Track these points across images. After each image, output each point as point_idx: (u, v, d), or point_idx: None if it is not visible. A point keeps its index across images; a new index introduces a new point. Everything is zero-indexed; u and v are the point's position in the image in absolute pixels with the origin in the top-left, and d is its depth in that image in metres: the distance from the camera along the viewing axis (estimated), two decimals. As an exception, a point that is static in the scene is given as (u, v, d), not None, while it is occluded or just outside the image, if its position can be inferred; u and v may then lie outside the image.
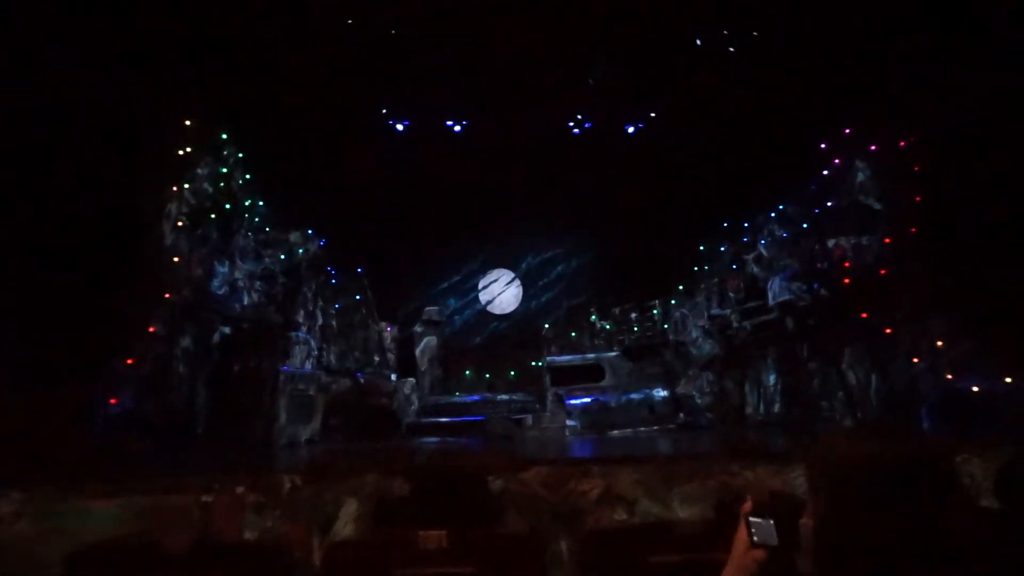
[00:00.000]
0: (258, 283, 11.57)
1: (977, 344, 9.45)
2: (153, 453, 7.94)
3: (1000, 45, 9.68)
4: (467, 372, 13.67)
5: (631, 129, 13.79)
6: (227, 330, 10.82)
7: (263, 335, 11.01)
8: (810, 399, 10.62)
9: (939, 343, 9.83)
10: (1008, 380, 9.32)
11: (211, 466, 6.46)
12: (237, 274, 11.29)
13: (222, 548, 4.18)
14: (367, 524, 4.91)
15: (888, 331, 10.08)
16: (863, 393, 10.17)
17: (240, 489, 5.15)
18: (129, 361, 9.41)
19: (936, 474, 1.78)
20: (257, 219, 12.13)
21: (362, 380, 11.82)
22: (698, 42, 12.38)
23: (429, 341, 13.29)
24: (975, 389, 9.42)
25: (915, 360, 9.87)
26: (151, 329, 9.78)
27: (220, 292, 10.99)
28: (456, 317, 14.50)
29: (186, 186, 10.89)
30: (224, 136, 11.68)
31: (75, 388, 8.00)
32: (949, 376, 9.68)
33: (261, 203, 12.22)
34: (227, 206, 11.46)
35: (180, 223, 10.61)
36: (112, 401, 8.81)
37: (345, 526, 4.95)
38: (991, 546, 1.74)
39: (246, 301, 11.29)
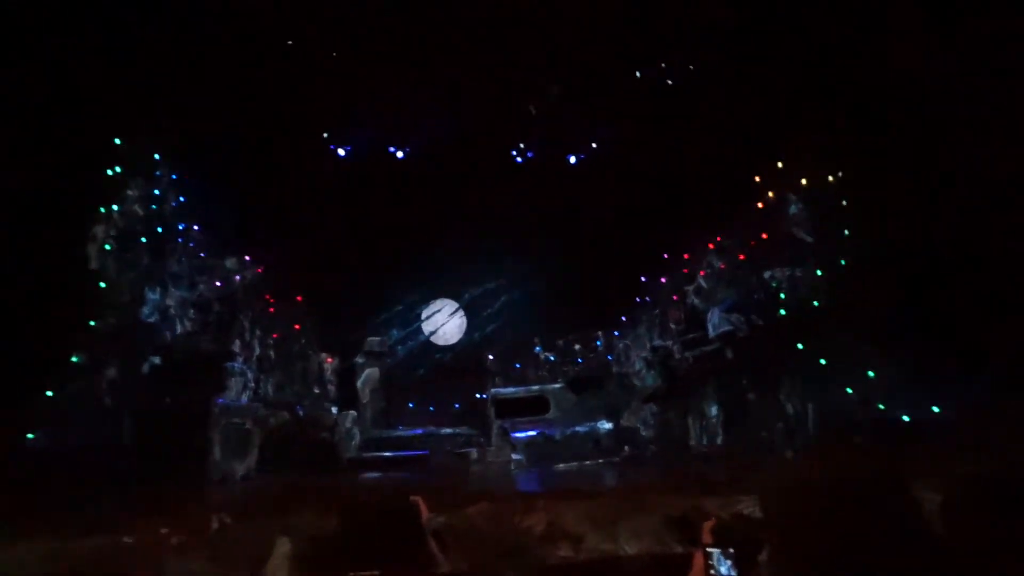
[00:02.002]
0: (192, 311, 11.09)
1: (907, 373, 9.74)
2: (70, 491, 7.41)
3: (926, 81, 10.14)
4: (410, 404, 13.37)
5: (573, 159, 13.92)
6: (157, 360, 10.31)
7: (196, 365, 10.53)
8: (750, 429, 10.72)
9: (870, 373, 10.11)
10: (935, 409, 9.64)
11: (133, 505, 6.05)
12: (169, 301, 10.80)
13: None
14: (301, 564, 4.64)
15: (822, 361, 10.31)
16: (800, 422, 10.32)
17: (163, 530, 4.82)
18: (47, 392, 8.88)
19: (891, 495, 1.75)
20: (191, 244, 11.68)
21: (301, 413, 11.39)
22: (638, 74, 12.65)
23: (371, 372, 12.95)
24: (905, 419, 9.70)
25: (848, 390, 10.13)
26: (73, 359, 9.27)
27: (151, 319, 10.49)
28: (399, 348, 14.20)
29: (115, 207, 10.46)
30: (157, 156, 11.27)
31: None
32: (880, 406, 9.96)
33: (196, 227, 11.79)
34: (159, 229, 11.02)
35: (108, 246, 10.16)
36: (27, 436, 8.26)
37: (278, 567, 4.66)
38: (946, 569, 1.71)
39: (179, 329, 10.80)
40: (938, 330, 9.63)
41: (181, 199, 11.65)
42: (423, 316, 14.51)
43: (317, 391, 12.09)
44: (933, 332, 9.63)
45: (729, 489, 5.80)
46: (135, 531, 4.85)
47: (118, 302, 10.10)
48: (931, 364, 9.45)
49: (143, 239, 10.71)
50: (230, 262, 12.08)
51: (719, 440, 11.05)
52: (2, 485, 7.03)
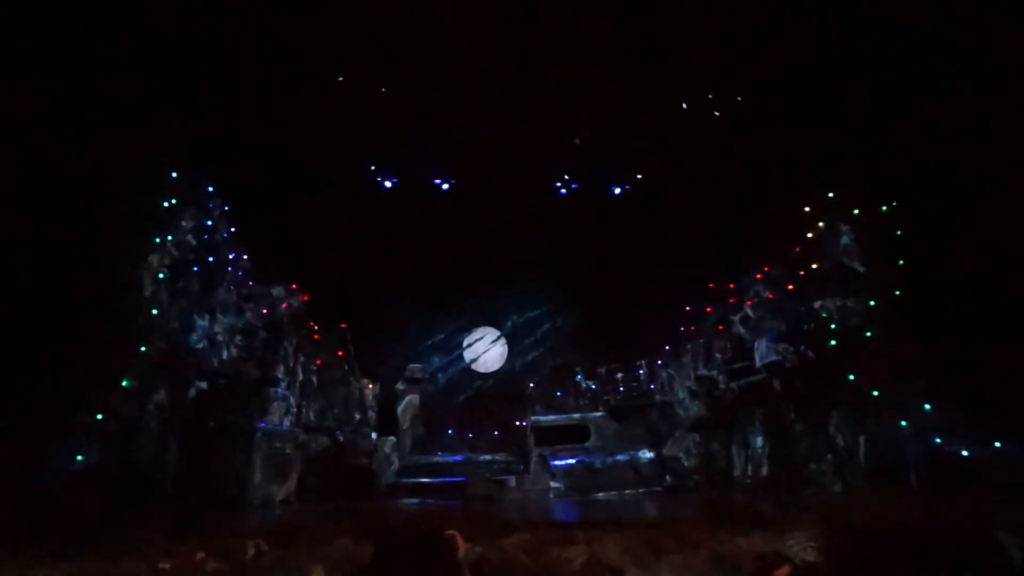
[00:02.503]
0: (238, 337, 11.20)
1: (964, 406, 9.24)
2: (113, 513, 7.42)
3: (978, 111, 9.81)
4: (449, 431, 13.23)
5: (617, 190, 13.79)
6: (204, 385, 10.39)
7: (240, 390, 10.58)
8: (797, 462, 10.28)
9: (926, 405, 9.62)
10: (997, 444, 9.09)
11: (173, 528, 6.01)
12: (217, 328, 10.93)
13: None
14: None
15: (874, 393, 9.86)
16: (851, 456, 9.86)
17: (200, 555, 4.74)
18: (97, 416, 8.98)
19: (973, 545, 1.57)
20: (240, 273, 11.84)
21: (341, 438, 11.35)
22: (684, 105, 12.51)
23: (411, 399, 12.88)
24: (964, 453, 9.17)
25: (902, 423, 9.64)
26: (123, 383, 9.38)
27: (198, 346, 10.60)
28: (440, 375, 14.13)
29: (169, 238, 10.65)
30: (210, 189, 11.49)
31: (26, 444, 7.53)
32: (937, 440, 9.44)
33: (245, 257, 11.96)
34: (210, 259, 11.19)
35: (161, 275, 10.33)
36: (75, 457, 8.34)
37: (311, 595, 4.54)
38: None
39: (225, 356, 10.90)
40: (995, 360, 9.14)
41: (232, 229, 11.84)
42: (464, 344, 14.42)
43: (358, 417, 12.04)
44: (990, 363, 9.14)
45: (777, 525, 5.49)
46: (173, 556, 4.78)
47: (168, 328, 10.21)
48: (989, 396, 8.96)
49: (195, 268, 10.86)
50: (276, 290, 12.21)
51: (764, 472, 10.63)
52: (43, 506, 7.07)
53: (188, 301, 10.63)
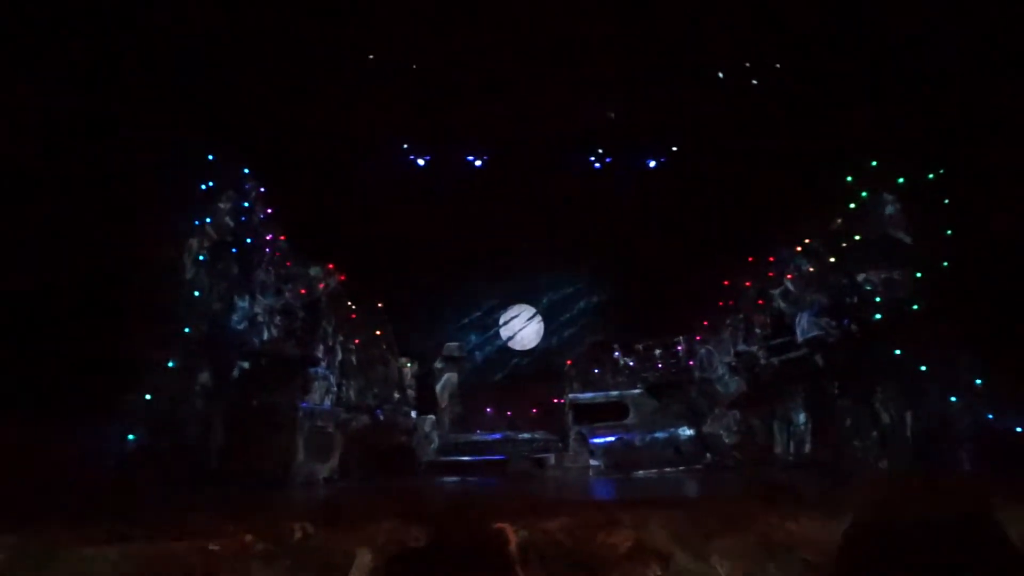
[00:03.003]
0: (278, 318, 11.26)
1: (1016, 380, 8.90)
2: (164, 491, 7.55)
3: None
4: (488, 409, 13.22)
5: (652, 163, 13.50)
6: (246, 365, 10.50)
7: (282, 370, 10.68)
8: (841, 439, 10.04)
9: (976, 380, 9.28)
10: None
11: (221, 509, 6.07)
12: (257, 308, 11.00)
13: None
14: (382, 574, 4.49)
15: (922, 367, 9.54)
16: (897, 432, 9.58)
17: (248, 537, 4.77)
18: (146, 396, 9.13)
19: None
20: (278, 254, 11.88)
21: (381, 417, 11.40)
22: (720, 75, 12.12)
23: (450, 377, 12.89)
24: (1018, 429, 8.85)
25: (951, 398, 9.32)
26: (169, 363, 9.51)
27: (239, 327, 10.70)
28: (477, 353, 14.11)
29: (208, 220, 10.72)
30: (247, 171, 11.52)
31: (84, 424, 7.68)
32: (988, 415, 9.12)
33: (282, 238, 11.99)
34: (248, 240, 11.24)
35: (201, 257, 10.41)
36: (126, 437, 8.50)
37: (358, 578, 4.53)
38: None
39: (265, 336, 10.97)
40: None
41: (268, 211, 11.87)
42: (501, 322, 14.37)
43: (397, 396, 12.09)
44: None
45: (824, 507, 5.32)
46: (221, 536, 4.80)
47: (210, 310, 10.31)
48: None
49: (233, 250, 10.92)
50: (314, 270, 12.24)
51: (807, 449, 10.41)
52: (98, 484, 7.21)
53: (228, 283, 10.71)
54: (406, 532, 4.68)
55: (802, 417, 10.49)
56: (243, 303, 10.89)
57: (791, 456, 10.45)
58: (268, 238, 11.80)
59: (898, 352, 9.67)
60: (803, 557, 4.32)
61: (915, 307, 9.91)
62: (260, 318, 11.05)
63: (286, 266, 11.92)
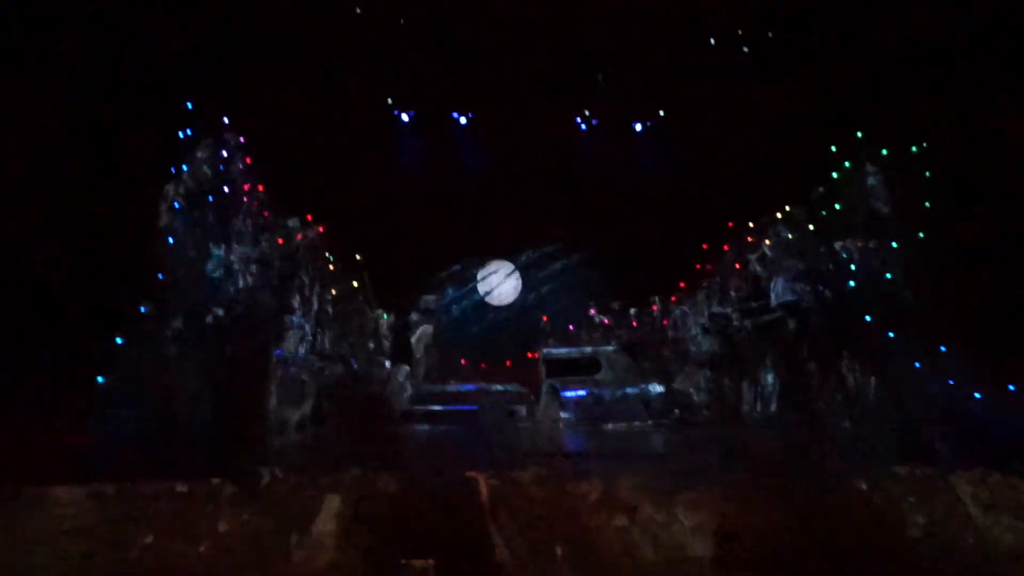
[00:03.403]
0: (254, 267, 11.08)
1: (981, 351, 9.07)
2: (133, 437, 7.48)
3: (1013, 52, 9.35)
4: (462, 361, 13.23)
5: (639, 126, 13.38)
6: (220, 312, 10.35)
7: (257, 318, 10.55)
8: (807, 400, 10.20)
9: (942, 348, 9.45)
10: (1011, 387, 8.96)
11: (191, 453, 6.02)
12: (233, 257, 10.81)
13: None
14: (349, 522, 4.47)
15: (890, 335, 9.69)
16: (861, 396, 9.76)
17: (216, 480, 4.72)
18: (117, 339, 8.99)
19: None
20: (256, 204, 11.65)
21: (356, 366, 11.36)
22: (712, 41, 11.97)
23: (425, 329, 12.85)
24: (977, 396, 9.05)
25: (916, 365, 9.49)
26: (141, 309, 9.35)
27: (215, 275, 10.53)
28: (453, 306, 14.06)
29: (185, 168, 10.47)
30: (225, 120, 11.22)
31: (53, 366, 7.57)
32: (951, 382, 9.31)
33: (260, 188, 11.76)
34: (226, 190, 11.01)
35: (177, 204, 10.20)
36: (97, 381, 8.38)
37: (326, 523, 4.51)
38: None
39: (240, 284, 10.80)
40: (1015, 306, 8.94)
41: (247, 160, 11.63)
42: (479, 276, 14.30)
43: (372, 346, 12.06)
44: (1009, 308, 8.95)
45: (787, 464, 5.41)
46: (189, 479, 4.76)
47: (184, 257, 10.14)
48: (1005, 341, 8.80)
49: (210, 198, 10.71)
50: (292, 221, 12.04)
51: (773, 409, 10.58)
52: (70, 428, 7.12)
53: (204, 230, 10.52)
54: (376, 479, 4.66)
55: (770, 378, 10.62)
56: (219, 252, 10.70)
57: (758, 415, 10.60)
58: (246, 188, 11.58)
59: (868, 319, 9.80)
60: (765, 512, 4.38)
61: (888, 276, 10.03)
62: (236, 267, 10.88)
63: (264, 216, 11.70)
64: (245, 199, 11.30)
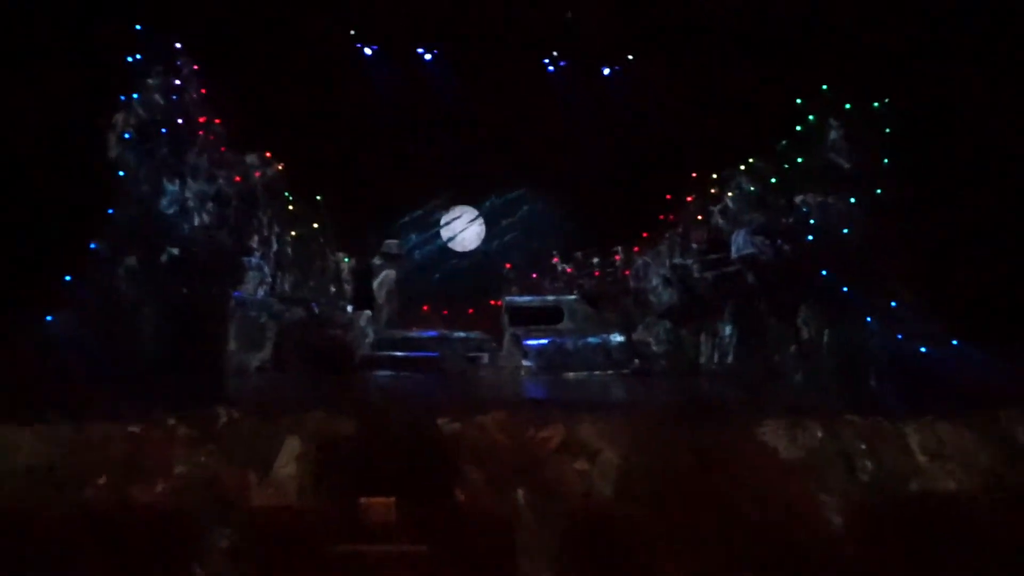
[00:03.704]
0: (210, 204, 10.70)
1: (930, 306, 9.30)
2: (84, 379, 7.23)
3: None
4: (424, 308, 13.13)
5: (607, 71, 13.12)
6: (176, 251, 10.00)
7: (214, 258, 10.24)
8: (763, 352, 10.41)
9: (892, 303, 9.67)
10: (955, 342, 9.24)
11: (146, 394, 5.84)
12: (188, 194, 10.41)
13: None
14: (310, 464, 4.40)
15: (844, 289, 9.87)
16: (814, 348, 9.99)
17: (171, 421, 4.58)
18: (66, 277, 8.63)
19: None
20: (212, 138, 11.18)
21: (316, 310, 11.18)
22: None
23: (387, 274, 12.68)
24: (923, 350, 9.32)
25: (867, 319, 9.71)
26: (91, 245, 8.97)
27: (169, 211, 10.14)
28: (416, 252, 13.88)
29: (135, 96, 9.94)
30: (178, 46, 10.64)
31: (2, 306, 7.22)
32: (898, 336, 9.56)
33: (216, 121, 11.26)
34: (179, 121, 10.52)
35: (127, 135, 9.70)
36: (47, 321, 8.05)
37: (286, 465, 4.43)
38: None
39: (196, 222, 10.44)
40: (970, 265, 9.13)
41: (202, 91, 11.09)
42: (442, 222, 14.10)
43: (333, 290, 11.88)
44: (965, 267, 9.14)
45: (744, 413, 5.49)
46: (143, 421, 4.61)
47: (137, 192, 9.71)
48: (954, 299, 9.02)
49: (163, 130, 10.23)
50: (250, 158, 11.65)
51: (730, 360, 10.78)
52: (20, 367, 6.84)
53: (157, 165, 10.07)
54: (336, 421, 4.58)
55: (728, 330, 10.78)
56: (173, 187, 10.28)
57: (715, 366, 10.80)
58: (201, 121, 11.08)
59: (824, 273, 9.95)
60: (722, 458, 4.44)
61: (845, 231, 10.16)
62: (191, 204, 10.48)
63: (220, 151, 11.26)
64: (200, 132, 10.84)
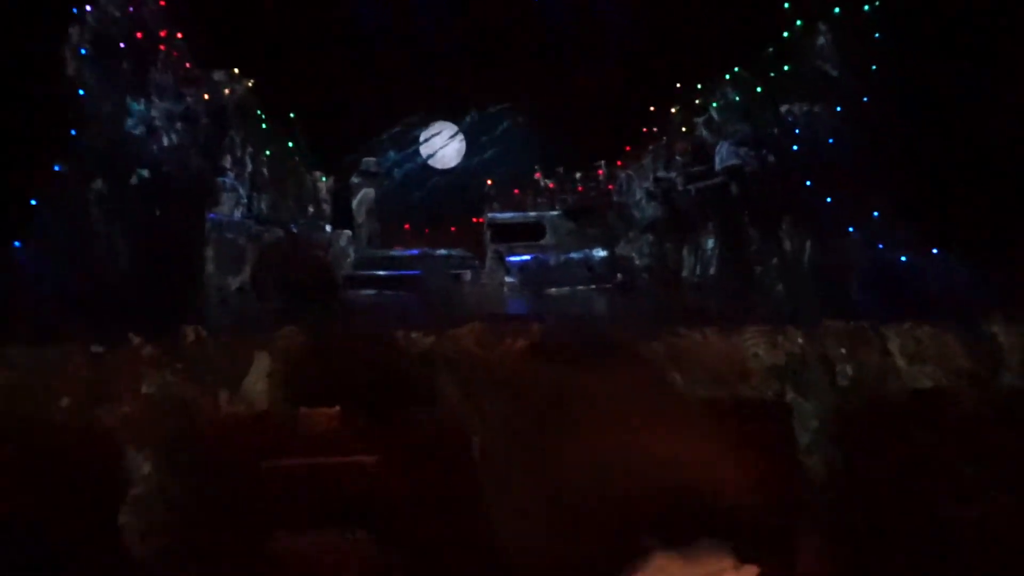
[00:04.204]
0: (179, 124, 10.22)
1: (912, 217, 9.16)
2: (57, 303, 7.00)
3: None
4: (406, 226, 12.86)
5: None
6: (145, 173, 9.60)
7: (186, 179, 9.86)
8: (745, 264, 10.30)
9: (875, 214, 9.51)
10: (934, 251, 9.15)
11: (115, 317, 5.63)
12: (154, 113, 9.91)
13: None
14: (282, 381, 4.27)
15: (827, 200, 9.68)
16: (796, 260, 9.88)
17: (136, 339, 4.40)
18: (31, 201, 8.26)
19: None
20: (176, 53, 10.56)
21: (295, 231, 10.90)
22: None
23: (367, 193, 12.33)
24: (903, 259, 9.24)
25: (850, 229, 9.57)
26: (55, 167, 8.55)
27: (135, 131, 9.67)
28: (396, 170, 13.47)
29: (88, 8, 9.29)
30: (132, -51, 9.91)
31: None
32: (880, 246, 9.46)
33: (180, 35, 10.61)
34: (139, 35, 9.90)
35: (84, 51, 9.12)
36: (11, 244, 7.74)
37: (256, 383, 4.29)
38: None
39: (166, 143, 9.99)
40: (952, 177, 8.92)
41: (161, 3, 10.41)
42: (421, 139, 13.62)
43: (312, 210, 11.55)
44: (946, 179, 8.93)
45: (726, 322, 5.37)
46: (107, 341, 4.42)
47: (99, 111, 9.21)
48: (940, 208, 8.85)
49: (122, 44, 9.62)
50: (218, 75, 11.04)
51: (712, 273, 10.68)
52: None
53: (119, 83, 9.54)
54: (309, 337, 4.41)
55: (711, 243, 10.62)
56: (138, 106, 9.77)
57: (697, 279, 10.70)
58: (163, 35, 10.44)
59: (808, 184, 9.73)
60: (706, 366, 4.34)
61: (830, 141, 9.87)
62: (158, 124, 10.00)
63: (186, 68, 10.67)
64: (163, 47, 10.23)
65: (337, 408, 2.02)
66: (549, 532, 0.92)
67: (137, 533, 3.03)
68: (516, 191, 12.36)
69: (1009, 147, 8.66)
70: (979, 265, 8.00)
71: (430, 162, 13.62)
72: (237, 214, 10.47)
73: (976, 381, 4.37)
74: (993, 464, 2.96)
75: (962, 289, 7.92)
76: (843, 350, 4.66)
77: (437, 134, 13.58)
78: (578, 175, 12.29)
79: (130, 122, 9.66)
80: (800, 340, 4.65)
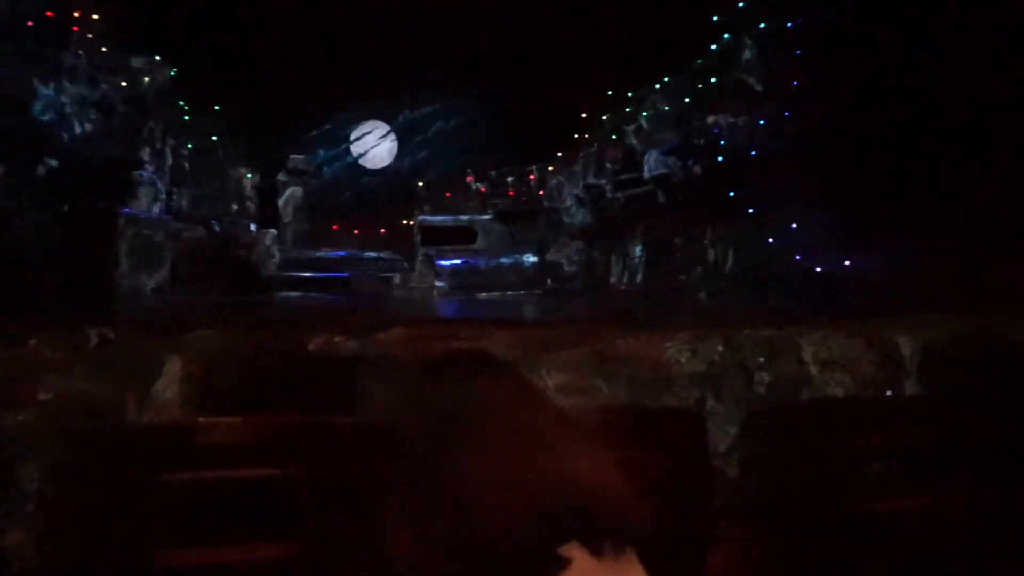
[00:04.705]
0: (93, 112, 9.66)
1: (830, 229, 9.53)
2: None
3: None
4: (334, 227, 12.57)
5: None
6: (54, 163, 9.02)
7: (99, 171, 9.32)
8: (670, 271, 10.52)
9: (793, 225, 9.87)
10: (846, 262, 9.55)
11: (10, 316, 5.22)
12: (65, 99, 9.33)
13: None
14: (194, 385, 4.04)
15: (750, 211, 9.99)
16: (718, 268, 10.16)
17: (33, 342, 4.07)
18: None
19: None
20: (90, 35, 9.98)
21: (218, 228, 10.46)
22: None
23: (294, 191, 11.99)
24: (818, 269, 9.62)
25: (770, 240, 9.90)
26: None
27: (43, 118, 9.07)
28: (325, 168, 13.15)
29: (-10, -15, 8.66)
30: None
31: None
32: (797, 256, 9.82)
33: (95, 16, 10.04)
34: (50, 14, 9.30)
35: (-14, 31, 8.50)
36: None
37: (168, 387, 4.04)
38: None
39: (78, 131, 9.41)
40: (873, 188, 9.32)
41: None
42: (352, 137, 13.34)
43: (235, 207, 11.11)
44: (867, 190, 9.33)
45: (652, 328, 5.41)
46: (2, 342, 4.07)
47: (4, 94, 8.60)
48: (859, 220, 9.23)
49: (30, 23, 9.01)
50: (137, 61, 10.51)
51: (639, 279, 10.86)
52: None
53: (25, 64, 8.93)
54: (224, 340, 4.20)
55: (639, 250, 10.81)
56: (47, 91, 9.17)
57: (625, 285, 10.86)
58: (77, 15, 9.86)
59: (732, 194, 10.02)
60: (630, 371, 4.36)
61: (753, 153, 10.19)
62: (69, 110, 9.42)
63: (101, 51, 10.10)
64: (76, 28, 9.65)
65: (239, 418, 1.90)
66: (447, 551, 0.88)
67: (20, 550, 2.80)
68: (448, 194, 12.28)
69: (928, 160, 9.16)
70: (889, 275, 8.38)
71: (361, 161, 13.37)
72: (155, 209, 9.98)
73: (882, 388, 4.56)
74: (897, 464, 3.10)
75: (874, 299, 8.28)
76: (761, 359, 4.78)
77: (368, 133, 13.35)
78: (510, 179, 12.32)
79: (37, 107, 9.05)
80: (720, 348, 4.74)
